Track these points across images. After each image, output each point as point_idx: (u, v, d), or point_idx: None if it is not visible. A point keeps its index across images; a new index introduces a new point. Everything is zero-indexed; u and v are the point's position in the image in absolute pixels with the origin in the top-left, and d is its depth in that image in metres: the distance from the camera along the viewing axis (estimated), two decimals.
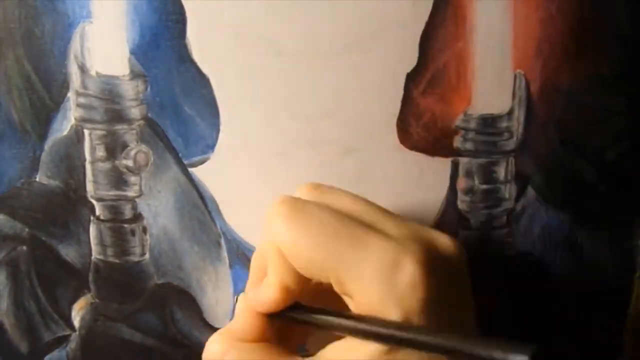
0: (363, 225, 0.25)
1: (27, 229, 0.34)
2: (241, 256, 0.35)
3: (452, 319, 0.25)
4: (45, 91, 0.33)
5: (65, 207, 0.34)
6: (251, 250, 0.35)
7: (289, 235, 0.25)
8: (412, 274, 0.24)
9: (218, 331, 0.29)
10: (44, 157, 0.34)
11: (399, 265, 0.24)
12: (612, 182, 0.36)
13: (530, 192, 0.36)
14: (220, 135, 0.34)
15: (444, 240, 0.27)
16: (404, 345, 0.24)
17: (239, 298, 0.29)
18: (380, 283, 0.24)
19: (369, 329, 0.24)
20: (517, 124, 0.35)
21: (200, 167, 0.34)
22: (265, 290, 0.27)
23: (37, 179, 0.34)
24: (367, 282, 0.24)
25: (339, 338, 0.26)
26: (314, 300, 0.27)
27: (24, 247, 0.34)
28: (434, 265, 0.24)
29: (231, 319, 0.35)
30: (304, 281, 0.26)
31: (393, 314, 0.24)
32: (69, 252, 0.35)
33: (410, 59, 0.34)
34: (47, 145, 0.34)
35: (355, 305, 0.25)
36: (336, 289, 0.25)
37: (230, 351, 0.27)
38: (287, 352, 0.27)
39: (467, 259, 0.27)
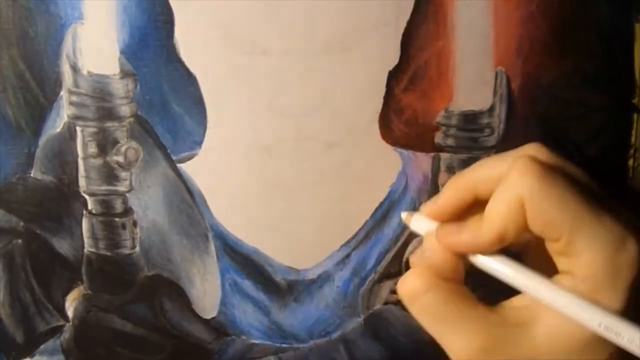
0: (597, 202, 0.28)
1: (22, 223, 0.37)
2: (228, 249, 0.37)
3: None
4: (39, 90, 0.36)
5: (58, 201, 0.37)
6: (237, 243, 0.37)
7: (539, 191, 0.27)
8: (633, 255, 0.26)
9: (412, 268, 0.29)
10: (38, 153, 0.36)
11: (625, 243, 0.26)
12: (594, 177, 0.38)
13: None
14: (208, 131, 0.36)
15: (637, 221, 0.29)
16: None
17: (426, 235, 0.29)
18: (605, 254, 0.26)
19: (576, 310, 0.26)
20: (498, 120, 0.37)
21: (188, 162, 0.36)
22: (481, 234, 0.28)
23: (32, 175, 0.36)
24: (597, 251, 0.26)
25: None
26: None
27: (19, 240, 0.37)
28: None
29: (219, 311, 0.38)
30: (521, 236, 0.28)
31: (612, 286, 0.26)
32: (62, 245, 0.37)
33: (392, 57, 0.36)
34: (41, 141, 0.36)
35: (573, 266, 0.27)
36: (559, 248, 0.27)
37: (434, 289, 0.28)
38: (482, 304, 0.28)
39: None
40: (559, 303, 0.27)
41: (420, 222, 0.30)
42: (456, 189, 0.30)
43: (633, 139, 0.38)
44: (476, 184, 0.29)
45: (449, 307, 0.28)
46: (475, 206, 0.29)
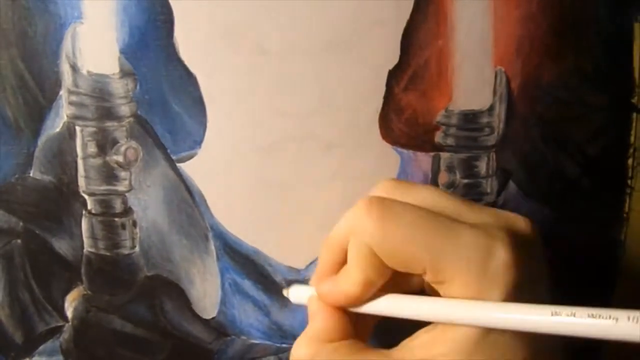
0: (451, 217, 0.27)
1: (21, 223, 0.37)
2: (228, 249, 0.37)
3: (540, 295, 0.27)
4: (38, 89, 0.36)
5: (58, 201, 0.37)
6: (237, 243, 0.37)
7: (383, 233, 0.27)
8: (504, 260, 0.26)
9: (301, 335, 0.30)
10: (37, 153, 0.36)
11: (491, 252, 0.26)
12: (594, 177, 0.38)
13: (512, 186, 0.38)
14: (207, 131, 0.36)
15: (521, 222, 0.29)
16: (501, 325, 0.25)
17: (309, 300, 0.30)
18: (477, 268, 0.26)
19: (466, 311, 0.26)
20: (498, 119, 0.37)
21: (188, 162, 0.37)
22: (348, 285, 0.28)
23: (31, 174, 0.36)
24: (464, 268, 0.26)
25: (412, 326, 0.28)
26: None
27: (19, 241, 0.37)
28: (519, 246, 0.27)
29: (219, 310, 0.38)
30: (387, 276, 0.28)
31: (492, 296, 0.26)
32: (61, 245, 0.37)
33: (392, 56, 0.36)
34: (41, 141, 0.36)
35: (449, 290, 0.27)
36: (429, 278, 0.27)
37: (319, 354, 0.28)
38: (374, 349, 0.29)
39: (539, 232, 0.29)
40: (441, 317, 0.26)
41: (300, 291, 0.31)
42: (325, 252, 0.30)
43: (632, 138, 0.38)
44: (339, 241, 0.29)
45: None
46: None
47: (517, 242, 0.27)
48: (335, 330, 0.29)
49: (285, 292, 0.33)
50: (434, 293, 0.28)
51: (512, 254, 0.26)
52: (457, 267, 0.26)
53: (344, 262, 0.29)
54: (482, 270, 0.26)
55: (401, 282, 0.29)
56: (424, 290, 0.30)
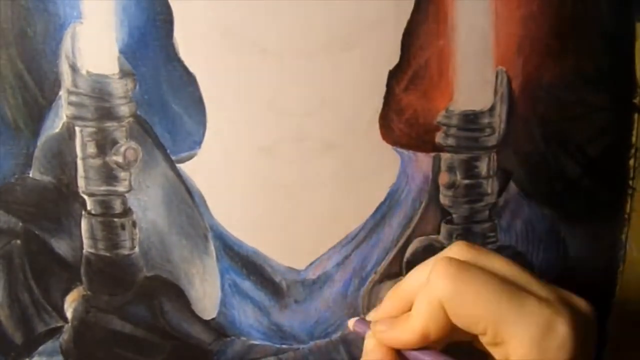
0: (518, 286, 0.29)
1: (21, 223, 0.37)
2: (227, 250, 0.37)
3: None
4: (37, 89, 0.36)
5: (57, 202, 0.37)
6: (237, 243, 0.37)
7: (455, 293, 0.28)
8: (563, 336, 0.27)
9: None
10: (37, 153, 0.36)
11: (552, 326, 0.27)
12: (595, 178, 0.38)
13: (513, 187, 0.38)
14: (207, 131, 0.36)
15: (581, 302, 0.30)
16: None
17: (367, 335, 0.32)
18: (534, 340, 0.27)
19: None
20: (499, 120, 0.37)
21: (187, 162, 0.36)
22: (406, 330, 0.30)
23: (31, 175, 0.36)
24: (523, 338, 0.27)
25: None
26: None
27: (18, 241, 0.37)
28: (580, 326, 0.28)
29: (218, 311, 0.38)
30: (445, 334, 0.29)
31: None
32: (61, 246, 0.37)
33: (392, 57, 0.36)
34: (40, 142, 0.36)
35: (504, 353, 0.28)
36: (488, 340, 0.29)
37: None
38: None
39: (596, 319, 0.30)
40: None
41: (363, 326, 0.32)
42: (393, 299, 0.32)
43: (634, 139, 0.38)
44: (409, 292, 0.31)
45: None
46: None
47: (579, 323, 0.28)
48: None
49: (350, 324, 0.33)
50: (483, 351, 0.29)
51: (572, 331, 0.27)
52: (518, 333, 0.27)
53: (407, 311, 0.31)
54: (541, 342, 0.27)
55: (453, 335, 0.30)
56: (473, 345, 0.31)
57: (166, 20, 0.35)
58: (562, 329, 0.27)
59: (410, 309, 0.30)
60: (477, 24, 0.36)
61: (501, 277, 0.29)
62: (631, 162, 0.38)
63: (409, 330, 0.29)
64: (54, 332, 0.38)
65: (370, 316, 0.33)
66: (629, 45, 0.37)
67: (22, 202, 0.37)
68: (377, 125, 0.37)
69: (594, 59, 0.37)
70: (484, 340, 0.29)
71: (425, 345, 0.30)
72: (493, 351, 0.29)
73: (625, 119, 0.38)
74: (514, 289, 0.28)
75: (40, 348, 0.38)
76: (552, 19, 0.36)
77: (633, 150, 0.38)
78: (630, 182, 0.38)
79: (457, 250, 0.31)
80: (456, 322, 0.28)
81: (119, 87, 0.36)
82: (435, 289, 0.29)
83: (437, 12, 0.36)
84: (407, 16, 0.36)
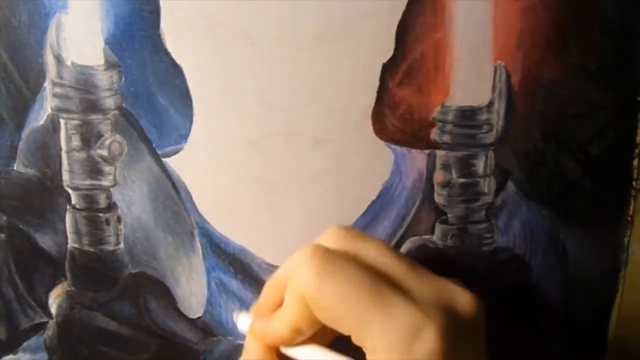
0: (389, 284, 0.27)
1: (4, 217, 0.36)
2: (214, 247, 0.36)
3: None
4: (22, 81, 0.35)
5: (41, 195, 0.36)
6: (224, 241, 0.36)
7: (316, 289, 0.26)
8: (431, 344, 0.25)
9: None
10: (21, 145, 0.35)
11: (419, 333, 0.25)
12: (596, 178, 0.37)
13: (511, 186, 0.37)
14: (194, 125, 0.35)
15: (464, 300, 0.28)
16: None
17: (247, 332, 0.31)
18: (399, 348, 0.25)
19: None
20: (497, 116, 0.36)
21: (173, 157, 0.36)
22: (277, 326, 0.29)
23: (15, 168, 0.36)
24: (386, 345, 0.25)
25: None
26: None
27: (2, 235, 0.36)
28: (453, 331, 0.26)
29: (205, 310, 0.37)
30: (317, 327, 0.28)
31: None
32: (45, 241, 0.36)
33: (386, 49, 0.35)
34: (24, 134, 0.35)
35: (372, 358, 0.26)
36: (354, 341, 0.27)
37: None
38: None
39: (485, 316, 0.28)
40: None
41: (245, 321, 0.32)
42: (268, 290, 0.31)
43: (638, 138, 0.36)
44: (281, 280, 0.29)
45: None
46: None
47: (454, 325, 0.26)
48: None
49: (234, 316, 0.33)
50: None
51: (440, 341, 0.25)
52: (381, 340, 0.25)
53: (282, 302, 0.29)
54: (406, 349, 0.25)
55: (334, 331, 0.28)
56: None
57: (152, 10, 0.34)
58: (429, 338, 0.25)
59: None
60: (475, 17, 0.35)
61: (373, 270, 0.27)
62: (635, 162, 0.37)
63: (280, 326, 0.28)
64: (38, 327, 0.38)
65: (252, 310, 0.31)
66: (633, 40, 0.36)
67: (6, 196, 0.36)
68: (369, 121, 0.35)
69: (597, 54, 0.36)
70: (353, 340, 0.27)
71: (304, 340, 0.28)
72: (367, 354, 0.27)
73: (629, 117, 0.36)
74: (383, 288, 0.26)
75: (25, 344, 0.38)
76: (554, 12, 0.35)
77: (637, 150, 0.37)
78: (634, 183, 0.37)
79: (331, 235, 0.29)
80: (320, 318, 0.27)
81: (104, 79, 0.35)
82: (298, 282, 0.27)
83: (434, 4, 0.35)
84: (403, 7, 0.34)
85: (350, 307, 0.26)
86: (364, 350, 0.27)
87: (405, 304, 0.26)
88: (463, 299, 0.28)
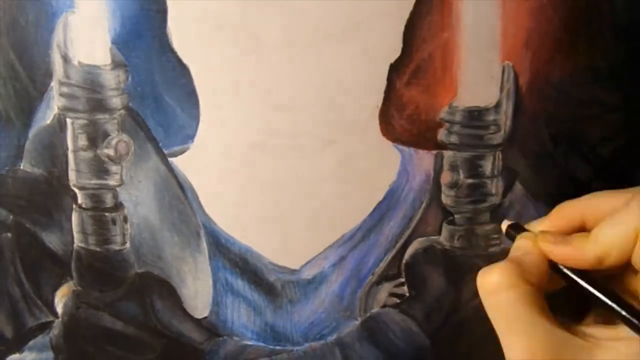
0: None
1: (11, 216, 0.36)
2: (220, 247, 0.36)
3: None
4: (29, 80, 0.35)
5: (48, 195, 0.36)
6: (230, 241, 0.36)
7: None
8: None
9: (497, 264, 0.30)
10: (28, 145, 0.36)
11: None
12: (607, 180, 0.37)
13: (519, 187, 0.36)
14: (200, 125, 0.35)
15: None
16: None
17: (524, 237, 0.31)
18: None
19: None
20: (505, 117, 0.36)
21: (180, 157, 0.36)
22: (582, 250, 0.29)
23: (22, 167, 0.36)
24: None
25: None
26: None
27: (9, 234, 0.36)
28: None
29: (211, 310, 0.37)
30: (613, 266, 0.29)
31: None
32: (52, 240, 0.36)
33: (394, 49, 0.35)
34: (31, 133, 0.35)
35: None
36: None
37: (513, 290, 0.29)
38: (556, 318, 0.29)
39: None
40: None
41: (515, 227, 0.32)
42: (563, 215, 0.32)
43: None
44: (585, 213, 0.31)
45: (520, 310, 0.28)
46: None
47: None
48: (538, 275, 0.29)
49: (503, 226, 0.33)
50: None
51: None
52: None
53: (573, 232, 0.30)
54: None
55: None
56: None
57: (159, 10, 0.34)
58: None
59: (576, 231, 0.30)
60: (483, 16, 0.35)
61: None
62: None
63: (589, 250, 0.29)
64: (44, 327, 0.38)
65: (531, 226, 0.32)
66: None
67: (13, 195, 0.36)
68: (376, 121, 0.35)
69: (607, 55, 0.35)
70: None
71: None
72: None
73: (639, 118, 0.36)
74: None
75: (31, 343, 0.38)
76: (563, 12, 0.35)
77: None
78: None
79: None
80: (637, 259, 0.28)
81: (111, 79, 0.35)
82: (636, 218, 0.27)
83: (442, 4, 0.34)
84: (410, 7, 0.34)
85: None
86: None
87: None
88: None
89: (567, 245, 0.30)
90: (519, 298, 0.28)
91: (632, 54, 0.36)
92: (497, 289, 0.29)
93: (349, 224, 0.36)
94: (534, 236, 0.31)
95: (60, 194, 0.36)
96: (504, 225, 0.33)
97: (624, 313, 0.28)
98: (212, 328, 0.37)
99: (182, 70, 0.35)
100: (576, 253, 0.29)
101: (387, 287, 0.37)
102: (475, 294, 0.30)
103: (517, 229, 0.32)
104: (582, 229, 0.31)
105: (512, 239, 0.32)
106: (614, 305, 0.28)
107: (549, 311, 0.29)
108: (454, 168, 0.36)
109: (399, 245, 0.37)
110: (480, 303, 0.30)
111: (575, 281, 0.30)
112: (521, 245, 0.31)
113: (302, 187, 0.36)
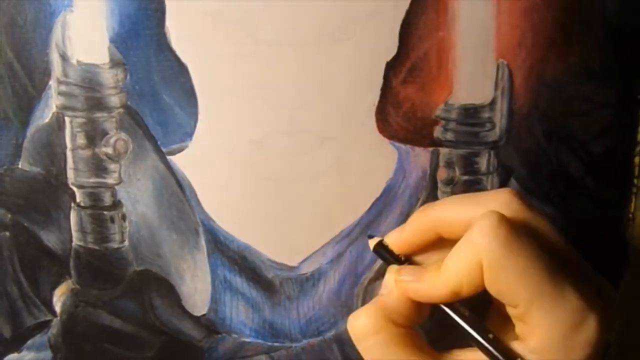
0: (561, 269, 0.27)
1: (9, 215, 0.36)
2: (219, 245, 0.37)
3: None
4: (27, 79, 0.35)
5: (46, 193, 0.36)
6: (229, 238, 0.36)
7: (498, 259, 0.26)
8: (591, 334, 0.26)
9: (365, 306, 0.29)
10: (26, 144, 0.36)
11: (584, 321, 0.26)
12: (598, 176, 0.37)
13: (513, 184, 0.37)
14: (199, 123, 0.35)
15: (609, 288, 0.29)
16: None
17: (389, 270, 0.30)
18: (562, 334, 0.26)
19: None
20: (500, 114, 0.36)
21: (178, 155, 0.36)
22: (435, 287, 0.28)
23: (20, 166, 0.36)
24: (552, 329, 0.26)
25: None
26: None
27: (7, 233, 0.36)
28: (608, 320, 0.27)
29: (209, 308, 0.37)
30: (474, 294, 0.28)
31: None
32: (50, 238, 0.37)
33: (390, 48, 0.35)
34: (30, 132, 0.36)
35: (527, 332, 0.27)
36: (515, 313, 0.27)
37: (382, 333, 0.28)
38: (434, 351, 0.29)
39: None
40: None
41: (385, 251, 0.31)
42: (420, 227, 0.30)
43: (639, 136, 0.37)
44: (441, 224, 0.29)
45: (393, 351, 0.28)
46: (443, 241, 0.29)
47: (607, 316, 0.27)
48: (404, 315, 0.29)
49: (370, 243, 0.32)
50: (503, 315, 0.28)
51: (601, 329, 0.26)
52: (548, 319, 0.26)
53: (432, 242, 0.29)
54: (568, 337, 0.26)
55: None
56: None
57: (158, 8, 0.34)
58: (591, 326, 0.26)
59: (435, 240, 0.29)
60: (478, 15, 0.35)
61: (548, 249, 0.27)
62: (636, 159, 0.37)
63: (440, 286, 0.28)
64: (43, 326, 0.38)
65: (392, 237, 0.31)
66: (636, 39, 0.36)
67: (11, 193, 0.36)
68: (373, 119, 0.36)
69: (599, 52, 0.36)
70: (511, 311, 0.27)
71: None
72: (516, 323, 0.27)
73: (631, 115, 0.37)
74: (557, 271, 0.26)
75: (29, 342, 0.38)
76: (556, 11, 0.35)
77: (638, 148, 0.37)
78: (635, 181, 0.37)
79: (504, 202, 0.28)
80: (489, 287, 0.27)
81: (110, 77, 0.35)
82: (478, 248, 0.26)
83: (437, 3, 0.35)
84: (406, 6, 0.35)
85: (526, 282, 0.26)
86: (519, 322, 0.27)
87: (575, 293, 0.26)
88: (609, 288, 0.29)
89: (421, 282, 0.28)
90: (388, 341, 0.28)
91: (623, 52, 0.36)
92: (365, 335, 0.29)
93: (346, 221, 0.37)
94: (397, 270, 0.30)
95: (59, 192, 0.36)
96: (371, 244, 0.32)
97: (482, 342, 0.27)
98: (210, 325, 0.37)
99: (181, 68, 0.35)
100: (431, 291, 0.28)
101: None
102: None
103: (381, 247, 0.31)
104: (439, 236, 0.30)
105: (383, 258, 0.31)
106: (474, 334, 0.28)
107: (423, 346, 0.29)
108: (449, 165, 0.36)
109: None
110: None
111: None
112: (387, 282, 0.30)
113: (299, 184, 0.36)
